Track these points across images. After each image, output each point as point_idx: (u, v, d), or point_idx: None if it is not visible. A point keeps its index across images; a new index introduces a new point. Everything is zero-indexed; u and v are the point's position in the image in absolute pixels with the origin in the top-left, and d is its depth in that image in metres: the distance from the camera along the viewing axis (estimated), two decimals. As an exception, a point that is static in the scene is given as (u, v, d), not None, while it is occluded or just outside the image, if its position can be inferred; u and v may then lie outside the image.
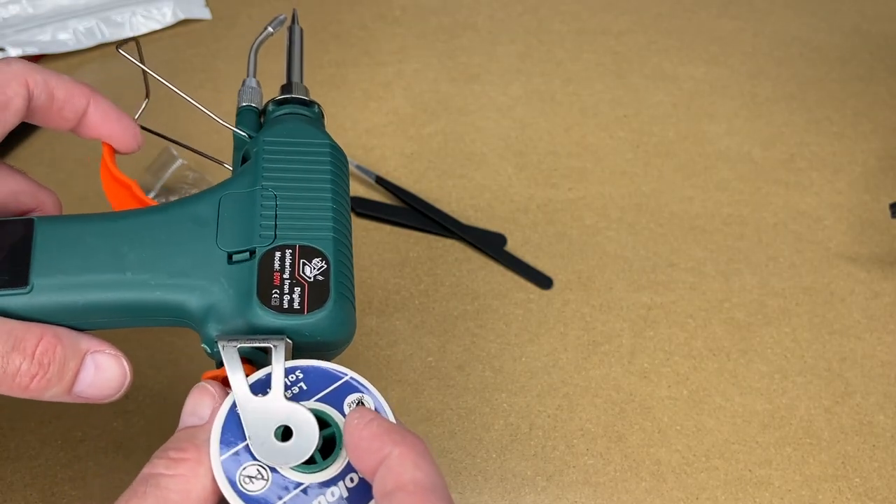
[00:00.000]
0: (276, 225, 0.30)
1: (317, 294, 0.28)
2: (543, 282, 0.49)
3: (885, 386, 0.45)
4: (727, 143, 0.59)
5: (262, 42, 0.39)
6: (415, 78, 0.64)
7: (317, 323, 0.28)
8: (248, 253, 0.29)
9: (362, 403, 0.27)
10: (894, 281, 0.50)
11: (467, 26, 0.71)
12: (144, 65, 0.36)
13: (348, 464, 0.25)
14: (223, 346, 0.27)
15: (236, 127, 0.35)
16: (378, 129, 0.59)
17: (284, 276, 0.28)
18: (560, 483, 0.40)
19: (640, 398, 0.43)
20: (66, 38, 0.64)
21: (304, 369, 0.27)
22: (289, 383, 0.27)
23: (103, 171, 0.33)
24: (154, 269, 0.28)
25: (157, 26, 0.67)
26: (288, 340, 0.27)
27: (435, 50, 0.68)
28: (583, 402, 0.43)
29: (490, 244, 0.50)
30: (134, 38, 0.37)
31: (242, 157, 0.34)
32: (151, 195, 0.51)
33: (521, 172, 0.56)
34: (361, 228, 0.51)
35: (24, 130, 0.57)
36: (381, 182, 0.53)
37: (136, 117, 0.35)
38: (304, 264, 0.29)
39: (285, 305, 0.28)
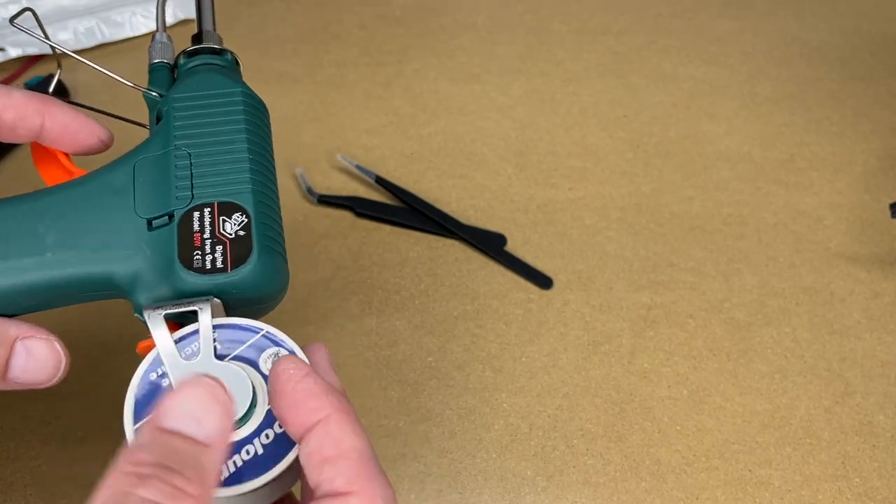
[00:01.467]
0: (192, 185, 0.29)
1: (239, 250, 0.28)
2: (543, 282, 0.49)
3: (885, 386, 0.45)
4: (727, 143, 0.59)
5: None
6: (415, 78, 0.64)
7: (242, 279, 0.27)
8: (166, 217, 0.28)
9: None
10: (894, 281, 0.50)
11: (467, 26, 0.71)
12: (46, 37, 0.34)
13: (263, 421, 0.25)
14: (148, 315, 0.26)
15: (149, 87, 0.33)
16: (378, 129, 0.59)
17: (205, 237, 0.28)
18: (560, 483, 0.40)
19: (640, 398, 0.43)
20: (66, 38, 0.65)
21: (216, 327, 0.27)
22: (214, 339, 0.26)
23: (32, 143, 0.32)
24: (74, 246, 0.28)
25: (157, 26, 0.67)
26: (215, 300, 0.27)
27: (435, 50, 0.68)
28: (583, 402, 0.43)
29: (490, 244, 0.50)
30: (28, 9, 0.34)
31: (157, 117, 0.32)
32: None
33: (521, 172, 0.56)
34: (361, 228, 0.51)
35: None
36: (381, 182, 0.53)
37: (50, 90, 0.34)
38: (223, 221, 0.28)
39: (208, 266, 0.27)
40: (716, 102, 0.63)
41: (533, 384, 0.44)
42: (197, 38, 0.35)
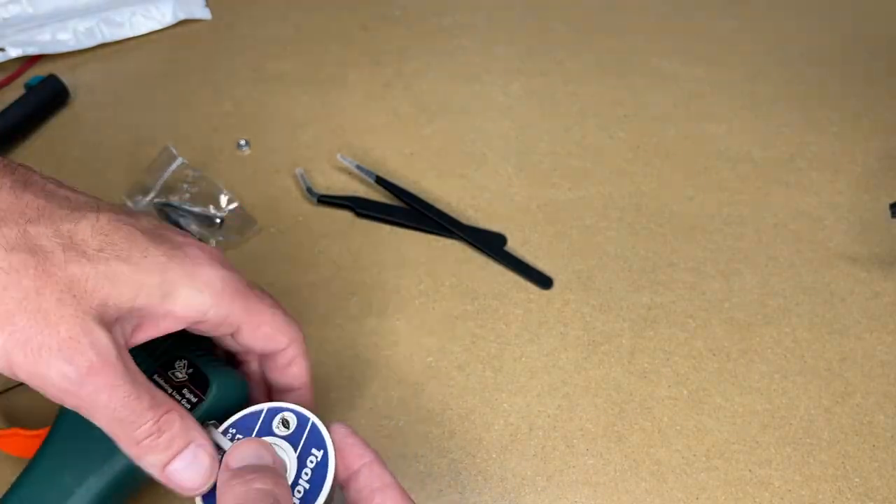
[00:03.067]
0: None
1: (199, 380, 0.34)
2: (543, 282, 0.49)
3: (885, 386, 0.45)
4: (727, 143, 0.59)
5: None
6: (415, 78, 0.64)
7: (217, 394, 0.34)
8: None
9: (286, 420, 0.32)
10: (894, 281, 0.50)
11: (467, 26, 0.71)
12: None
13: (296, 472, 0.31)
14: None
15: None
16: (378, 129, 0.59)
17: (170, 392, 0.34)
18: (560, 483, 0.40)
19: (640, 398, 0.43)
20: (66, 38, 0.64)
21: (233, 424, 0.33)
22: (229, 438, 0.32)
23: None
24: (89, 472, 0.33)
25: (157, 26, 0.67)
26: (213, 422, 0.33)
27: (435, 50, 0.68)
28: (583, 402, 0.43)
29: (490, 244, 0.50)
30: None
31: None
32: (152, 195, 0.51)
33: (521, 172, 0.56)
34: (362, 228, 0.51)
35: (22, 130, 0.57)
36: (381, 182, 0.53)
37: None
38: (171, 373, 0.34)
39: (188, 406, 0.33)
40: (716, 102, 0.63)
41: (533, 384, 0.44)
42: None
